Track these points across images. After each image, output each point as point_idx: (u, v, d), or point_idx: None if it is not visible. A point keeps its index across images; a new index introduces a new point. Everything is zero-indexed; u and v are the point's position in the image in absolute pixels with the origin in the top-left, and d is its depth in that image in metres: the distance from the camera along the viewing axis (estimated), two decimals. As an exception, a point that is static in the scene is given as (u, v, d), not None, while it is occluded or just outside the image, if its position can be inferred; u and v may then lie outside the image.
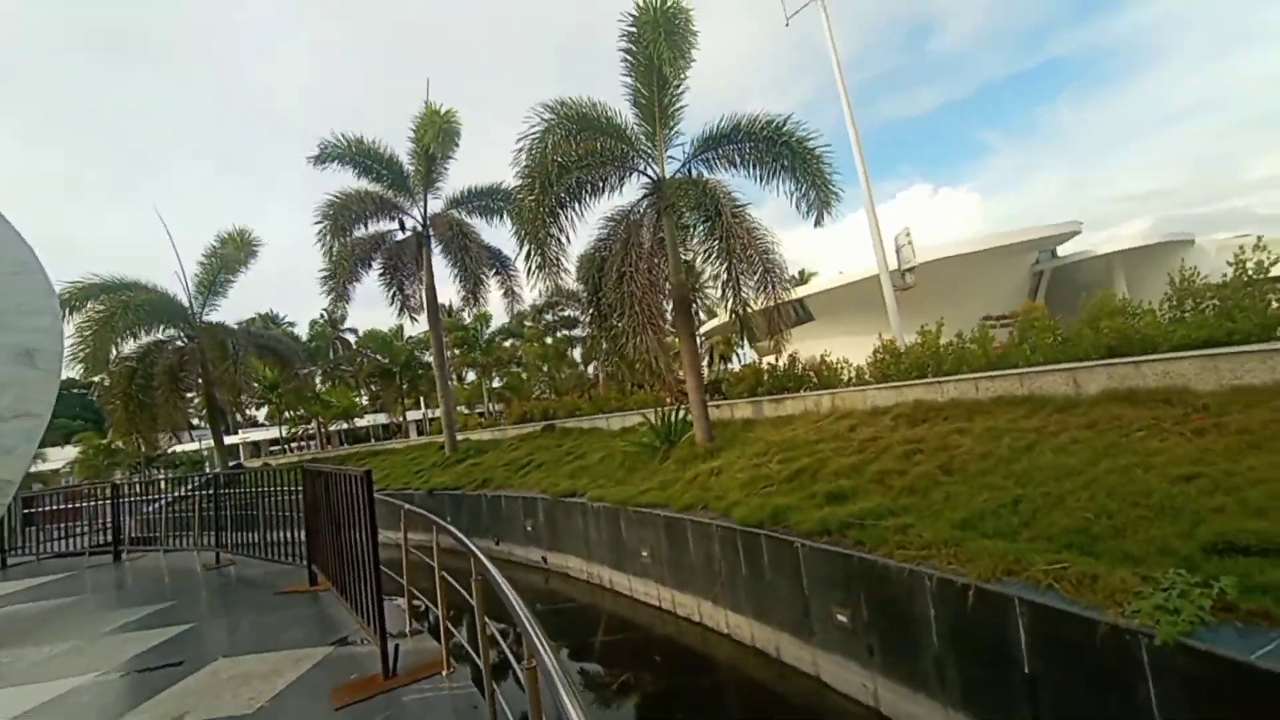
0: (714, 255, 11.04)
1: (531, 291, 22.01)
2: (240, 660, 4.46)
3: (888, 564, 5.43)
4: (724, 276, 11.07)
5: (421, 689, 3.83)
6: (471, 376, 46.66)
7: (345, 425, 49.66)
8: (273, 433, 48.75)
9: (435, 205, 18.94)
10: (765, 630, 7.01)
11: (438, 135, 16.61)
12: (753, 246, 11.05)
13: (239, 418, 41.43)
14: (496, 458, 16.99)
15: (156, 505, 10.82)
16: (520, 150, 10.98)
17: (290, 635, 4.90)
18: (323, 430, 46.35)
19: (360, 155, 17.53)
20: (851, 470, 7.60)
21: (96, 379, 19.03)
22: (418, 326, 38.29)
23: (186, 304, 18.97)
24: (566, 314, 27.36)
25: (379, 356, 42.88)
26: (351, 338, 45.96)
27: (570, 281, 12.35)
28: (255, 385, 26.28)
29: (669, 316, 13.42)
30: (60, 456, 38.91)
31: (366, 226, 18.06)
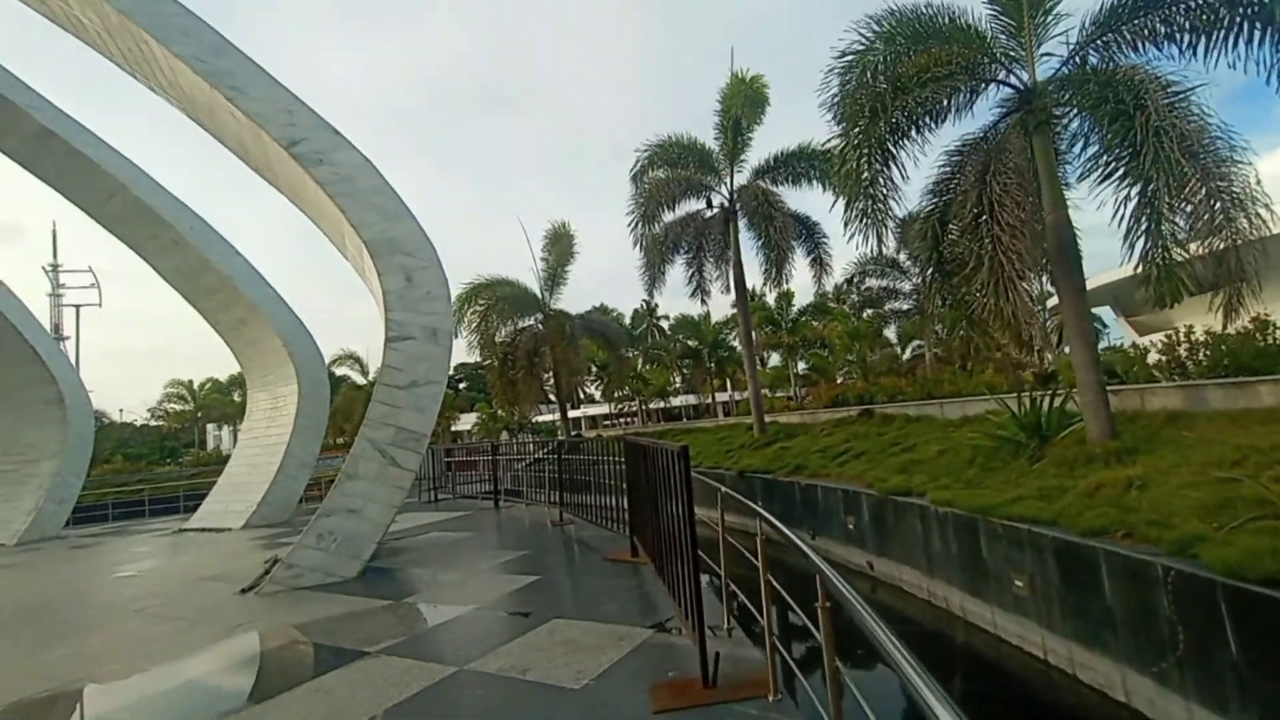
0: (1120, 175, 7.71)
1: (852, 246, 20.04)
2: (572, 624, 4.55)
3: None
4: (1132, 203, 7.64)
5: (747, 713, 3.10)
6: (775, 360, 46.23)
7: (661, 404, 54.74)
8: (604, 409, 56.75)
9: (741, 179, 18.61)
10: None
11: (744, 103, 16.15)
12: (1196, 155, 7.39)
13: (580, 394, 49.38)
14: (808, 443, 15.81)
15: (523, 465, 12.89)
16: (836, 71, 9.28)
17: (614, 607, 4.91)
18: (643, 407, 51.94)
19: (669, 152, 18.30)
20: None
21: (486, 361, 24.44)
22: (721, 311, 39.65)
23: (538, 294, 22.82)
24: (883, 286, 24.33)
25: (689, 341, 45.84)
26: (665, 324, 50.32)
27: (890, 246, 10.27)
28: (589, 364, 30.54)
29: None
30: (467, 420, 52.51)
31: (675, 209, 18.74)
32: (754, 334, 23.37)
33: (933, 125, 9.09)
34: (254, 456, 13.46)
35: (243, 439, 14.94)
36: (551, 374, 23.16)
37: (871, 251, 10.19)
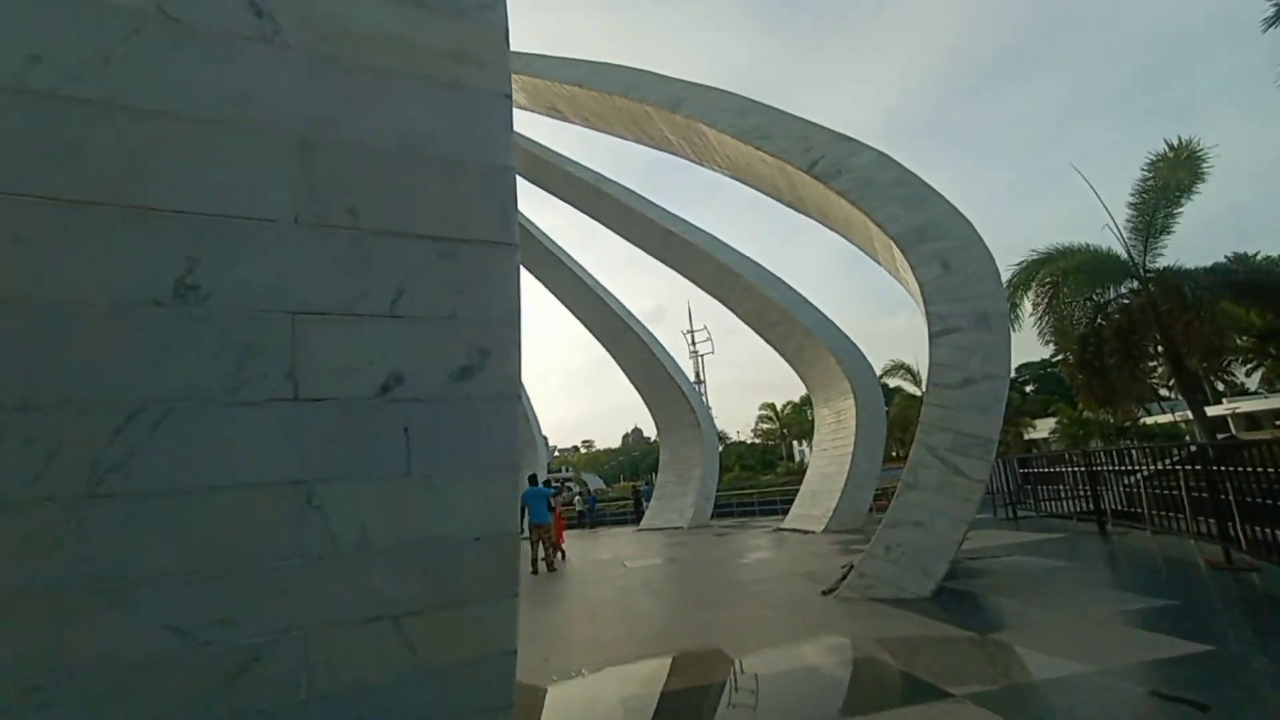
0: None
1: None
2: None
3: None
4: None
5: None
6: None
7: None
8: (1273, 402, 37.60)
9: None
10: None
11: None
12: None
13: (1219, 384, 34.23)
14: None
15: (1134, 478, 9.73)
16: None
17: None
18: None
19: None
20: None
21: (1059, 355, 19.73)
22: None
23: (1123, 255, 16.70)
24: None
25: None
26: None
27: None
28: (1236, 339, 20.67)
29: None
30: (1043, 426, 43.99)
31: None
32: None
33: None
34: (825, 467, 14.91)
35: (814, 451, 16.82)
36: (1162, 357, 16.54)
37: None
